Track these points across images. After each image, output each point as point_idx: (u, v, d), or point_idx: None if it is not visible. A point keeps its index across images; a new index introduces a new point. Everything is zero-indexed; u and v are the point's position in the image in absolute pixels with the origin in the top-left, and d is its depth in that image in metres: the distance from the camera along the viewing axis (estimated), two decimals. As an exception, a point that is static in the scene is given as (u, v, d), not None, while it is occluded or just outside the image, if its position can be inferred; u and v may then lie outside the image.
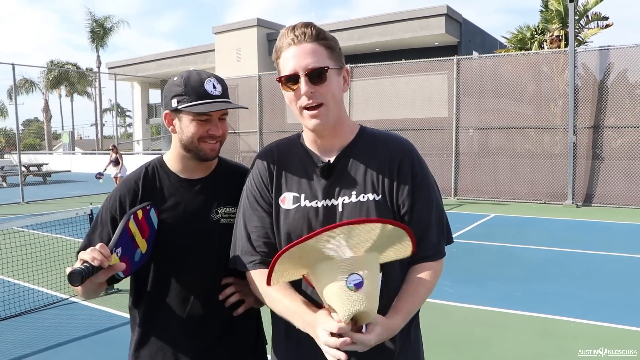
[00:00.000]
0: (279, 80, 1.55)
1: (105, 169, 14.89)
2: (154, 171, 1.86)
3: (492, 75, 14.24)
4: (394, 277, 1.55)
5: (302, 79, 1.48)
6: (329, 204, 1.55)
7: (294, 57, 1.49)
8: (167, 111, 1.78)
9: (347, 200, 1.54)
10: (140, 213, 1.66)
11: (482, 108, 14.52)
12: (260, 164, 1.67)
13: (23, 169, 18.13)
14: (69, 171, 26.48)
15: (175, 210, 1.81)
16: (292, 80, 1.50)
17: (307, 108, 1.51)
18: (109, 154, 15.54)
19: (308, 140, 1.64)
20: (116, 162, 14.54)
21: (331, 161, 1.59)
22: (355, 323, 1.34)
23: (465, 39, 24.41)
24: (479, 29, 26.50)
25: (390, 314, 1.46)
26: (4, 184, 21.32)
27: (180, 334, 1.79)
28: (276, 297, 1.53)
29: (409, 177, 1.57)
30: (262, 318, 1.96)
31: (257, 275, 1.58)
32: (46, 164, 26.31)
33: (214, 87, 1.73)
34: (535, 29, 18.28)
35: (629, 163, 12.32)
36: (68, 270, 1.44)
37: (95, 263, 1.45)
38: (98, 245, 1.51)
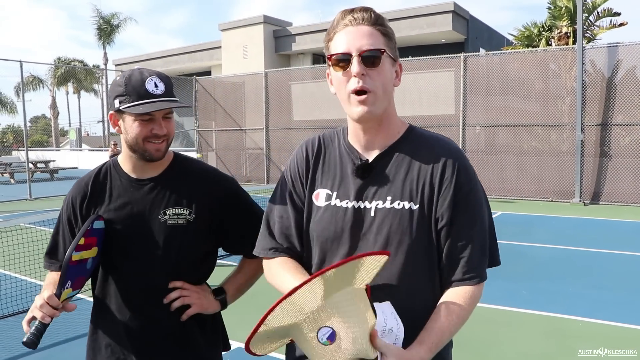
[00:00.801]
0: (329, 58, 1.43)
1: None
2: (106, 171, 1.86)
3: (499, 72, 14.18)
4: (423, 298, 1.42)
5: (355, 59, 1.37)
6: (361, 207, 1.45)
7: (349, 37, 1.39)
8: (111, 112, 1.75)
9: (380, 205, 1.43)
10: (82, 241, 1.65)
11: (489, 105, 14.46)
12: (300, 154, 1.60)
13: (31, 165, 18.20)
14: (76, 168, 26.60)
15: (122, 211, 1.78)
16: (343, 60, 1.39)
17: (355, 93, 1.39)
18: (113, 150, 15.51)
19: (351, 134, 1.52)
20: None
21: (370, 160, 1.48)
22: None
23: (472, 36, 24.31)
24: (486, 26, 26.39)
25: (413, 345, 1.30)
26: (12, 181, 21.42)
27: (125, 336, 1.80)
28: (287, 284, 1.43)
29: (451, 187, 1.42)
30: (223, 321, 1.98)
31: (271, 264, 1.56)
32: (53, 161, 26.43)
33: (156, 85, 1.68)
34: (542, 25, 18.15)
35: (637, 161, 12.25)
36: (23, 339, 1.59)
37: (47, 320, 1.58)
38: (46, 296, 1.59)
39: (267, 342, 1.26)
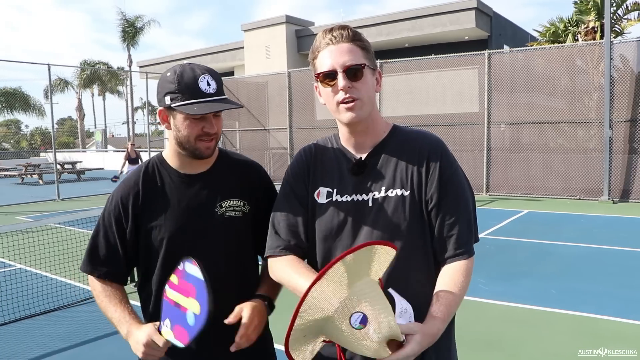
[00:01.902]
0: (317, 77, 1.59)
1: (123, 168, 14.63)
2: (154, 168, 1.82)
3: (524, 69, 14.00)
4: (418, 280, 1.56)
5: (340, 75, 1.53)
6: (359, 199, 1.60)
7: (332, 55, 1.55)
8: (160, 108, 1.73)
9: (377, 195, 1.59)
10: (175, 279, 1.58)
11: (513, 103, 14.28)
12: (299, 159, 1.74)
13: (58, 166, 18.48)
14: (102, 168, 27.01)
15: (179, 208, 1.77)
16: (329, 77, 1.55)
17: (343, 102, 1.55)
18: (144, 151, 15.54)
19: (343, 138, 1.69)
20: (134, 160, 14.28)
21: (362, 158, 1.64)
22: (394, 342, 1.30)
23: (496, 32, 24.05)
24: (509, 23, 26.08)
25: (428, 319, 1.44)
26: (41, 182, 21.79)
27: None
28: (295, 281, 1.54)
29: (436, 173, 1.58)
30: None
31: (276, 262, 1.64)
32: (80, 162, 26.83)
33: (208, 84, 1.67)
34: (568, 20, 17.89)
35: (667, 157, 12.00)
36: None
37: None
38: (145, 335, 1.57)
39: (304, 344, 1.30)
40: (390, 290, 1.40)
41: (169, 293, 1.58)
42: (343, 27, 1.58)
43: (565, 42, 17.06)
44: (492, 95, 14.16)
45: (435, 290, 1.52)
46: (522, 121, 14.02)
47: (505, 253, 7.53)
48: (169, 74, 1.70)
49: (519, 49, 15.44)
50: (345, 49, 1.54)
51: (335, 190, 1.63)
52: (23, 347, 4.49)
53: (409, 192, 1.58)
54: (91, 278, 1.84)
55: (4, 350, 4.44)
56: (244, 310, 1.66)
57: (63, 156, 29.94)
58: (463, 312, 5.26)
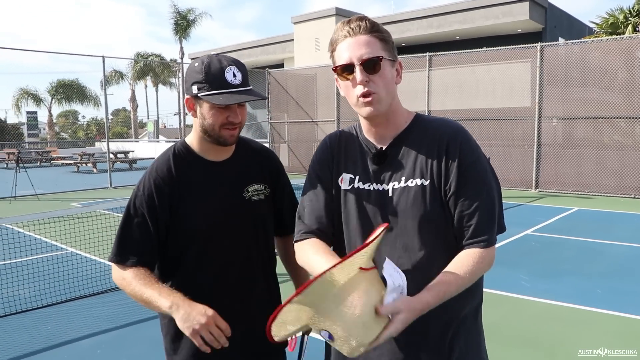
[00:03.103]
0: (335, 70, 1.60)
1: None
2: (180, 155, 1.87)
3: (579, 62, 13.57)
4: (439, 268, 1.50)
5: (357, 68, 1.52)
6: (380, 189, 1.61)
7: (349, 47, 1.54)
8: (188, 96, 1.80)
9: (396, 185, 1.59)
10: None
11: (567, 97, 13.88)
12: (324, 145, 1.76)
13: (111, 156, 19.07)
14: (153, 158, 27.47)
15: (210, 194, 1.84)
16: (347, 70, 1.55)
17: (361, 96, 1.55)
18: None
19: (364, 129, 1.69)
20: None
21: (383, 148, 1.63)
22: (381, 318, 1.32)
23: (551, 25, 23.40)
24: (565, 14, 25.33)
25: (419, 293, 1.41)
26: (95, 170, 22.53)
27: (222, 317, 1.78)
28: (316, 262, 1.55)
29: (456, 160, 1.55)
30: None
31: (299, 245, 1.67)
32: (132, 151, 27.48)
33: (234, 75, 1.73)
34: (629, 10, 17.18)
35: None
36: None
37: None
38: (212, 310, 1.59)
39: (286, 330, 1.33)
40: (386, 262, 1.37)
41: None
42: (361, 19, 1.56)
43: (624, 34, 16.43)
44: (544, 89, 13.80)
45: (443, 270, 1.50)
46: (575, 116, 13.61)
47: (551, 250, 7.37)
48: (196, 64, 1.76)
49: (574, 41, 14.98)
50: (362, 41, 1.53)
51: (357, 177, 1.65)
52: (73, 325, 4.70)
53: (428, 181, 1.56)
54: (116, 268, 1.82)
55: (56, 327, 4.66)
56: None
57: (116, 146, 30.82)
58: (502, 307, 5.22)
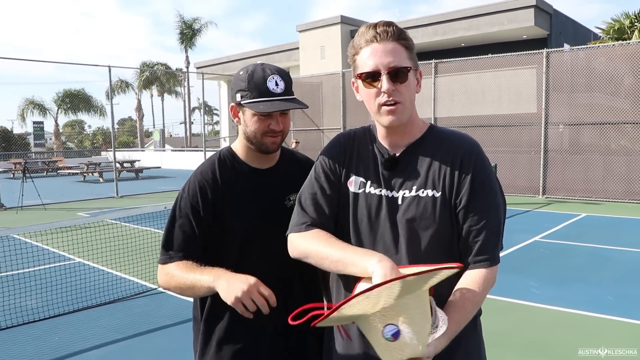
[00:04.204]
0: (359, 76, 1.55)
1: None
2: (226, 160, 1.91)
3: (585, 68, 13.55)
4: (448, 278, 1.48)
5: (384, 77, 1.49)
6: (390, 195, 1.59)
7: (376, 54, 1.50)
8: (232, 104, 1.85)
9: (407, 194, 1.57)
10: None
11: (573, 103, 13.84)
12: (337, 142, 1.74)
13: (117, 165, 19.11)
14: (159, 167, 27.74)
15: (253, 200, 1.86)
16: (372, 77, 1.51)
17: (385, 104, 1.52)
18: (200, 151, 15.95)
19: (379, 135, 1.67)
20: None
21: (397, 154, 1.62)
22: None
23: (556, 31, 23.35)
24: (570, 20, 25.28)
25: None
26: (101, 179, 22.57)
27: (258, 326, 1.81)
28: (323, 251, 1.53)
29: (469, 176, 1.54)
30: None
31: (300, 235, 1.62)
32: (138, 161, 27.55)
33: (277, 84, 1.77)
34: (635, 16, 17.11)
35: None
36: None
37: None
38: (255, 279, 1.59)
39: (331, 322, 1.36)
40: (437, 309, 1.38)
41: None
42: (388, 24, 1.52)
43: (630, 39, 16.38)
44: (551, 96, 13.77)
45: (449, 301, 1.48)
46: (582, 122, 13.57)
47: (560, 257, 7.31)
48: (241, 72, 1.82)
49: (580, 47, 14.94)
50: (390, 48, 1.49)
51: (369, 182, 1.62)
52: (80, 336, 4.68)
53: (440, 193, 1.55)
54: (161, 269, 1.84)
55: (64, 338, 4.64)
56: None
57: (122, 155, 30.93)
58: (512, 315, 5.18)
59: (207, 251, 1.86)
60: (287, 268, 1.84)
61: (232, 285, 1.58)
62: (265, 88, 1.75)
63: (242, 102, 1.78)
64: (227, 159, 1.92)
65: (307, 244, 1.59)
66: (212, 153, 2.02)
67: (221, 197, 1.84)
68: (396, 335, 1.26)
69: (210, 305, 1.87)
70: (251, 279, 1.58)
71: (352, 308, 1.27)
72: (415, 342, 1.27)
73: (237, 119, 1.87)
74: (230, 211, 1.84)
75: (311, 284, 1.97)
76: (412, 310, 1.28)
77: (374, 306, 1.27)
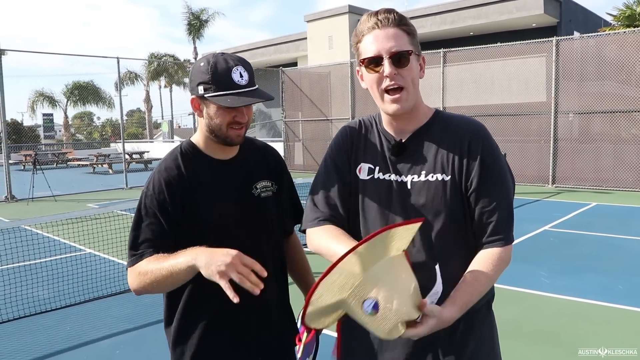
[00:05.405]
0: (362, 62, 1.57)
1: None
2: (187, 154, 1.85)
3: (595, 56, 13.41)
4: (456, 262, 1.55)
5: (386, 61, 1.50)
6: (399, 180, 1.60)
7: (377, 40, 1.52)
8: (193, 96, 1.77)
9: (416, 178, 1.59)
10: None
11: (583, 91, 13.72)
12: (344, 133, 1.75)
13: (127, 156, 19.18)
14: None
15: (221, 192, 1.82)
16: (374, 62, 1.53)
17: (388, 92, 1.54)
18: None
19: (384, 121, 1.68)
20: None
21: (403, 140, 1.63)
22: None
23: (566, 18, 23.14)
24: (581, 7, 25.04)
25: (446, 304, 1.43)
26: (110, 171, 22.70)
27: (235, 313, 1.79)
28: (333, 248, 1.51)
29: (478, 157, 1.56)
30: None
31: (314, 231, 1.63)
32: (147, 152, 27.61)
33: (241, 75, 1.71)
34: (647, 2, 16.93)
35: None
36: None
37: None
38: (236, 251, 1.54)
39: (322, 318, 1.34)
40: (437, 268, 1.47)
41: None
42: (389, 11, 1.54)
43: (641, 27, 16.19)
44: (560, 84, 13.66)
45: (463, 275, 1.50)
46: (592, 110, 13.45)
47: (570, 246, 7.29)
48: (202, 63, 1.73)
49: (590, 34, 14.79)
50: (391, 34, 1.51)
51: (377, 167, 1.63)
52: (91, 326, 4.73)
53: (449, 177, 1.56)
54: (132, 270, 1.74)
55: (75, 328, 4.69)
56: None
57: (131, 146, 31.01)
58: (522, 304, 5.16)
59: (178, 246, 1.75)
60: (262, 262, 1.72)
61: (214, 260, 1.48)
62: (231, 80, 1.68)
63: (206, 96, 1.70)
64: (189, 152, 1.85)
65: (319, 241, 1.60)
66: (184, 140, 1.96)
67: (189, 192, 1.79)
68: (376, 307, 1.26)
69: (183, 309, 1.85)
70: (232, 251, 1.49)
71: (324, 298, 1.26)
72: (399, 306, 1.27)
73: (198, 111, 1.79)
74: (199, 204, 1.79)
75: (283, 280, 1.99)
76: (385, 278, 1.27)
77: (343, 289, 1.25)
